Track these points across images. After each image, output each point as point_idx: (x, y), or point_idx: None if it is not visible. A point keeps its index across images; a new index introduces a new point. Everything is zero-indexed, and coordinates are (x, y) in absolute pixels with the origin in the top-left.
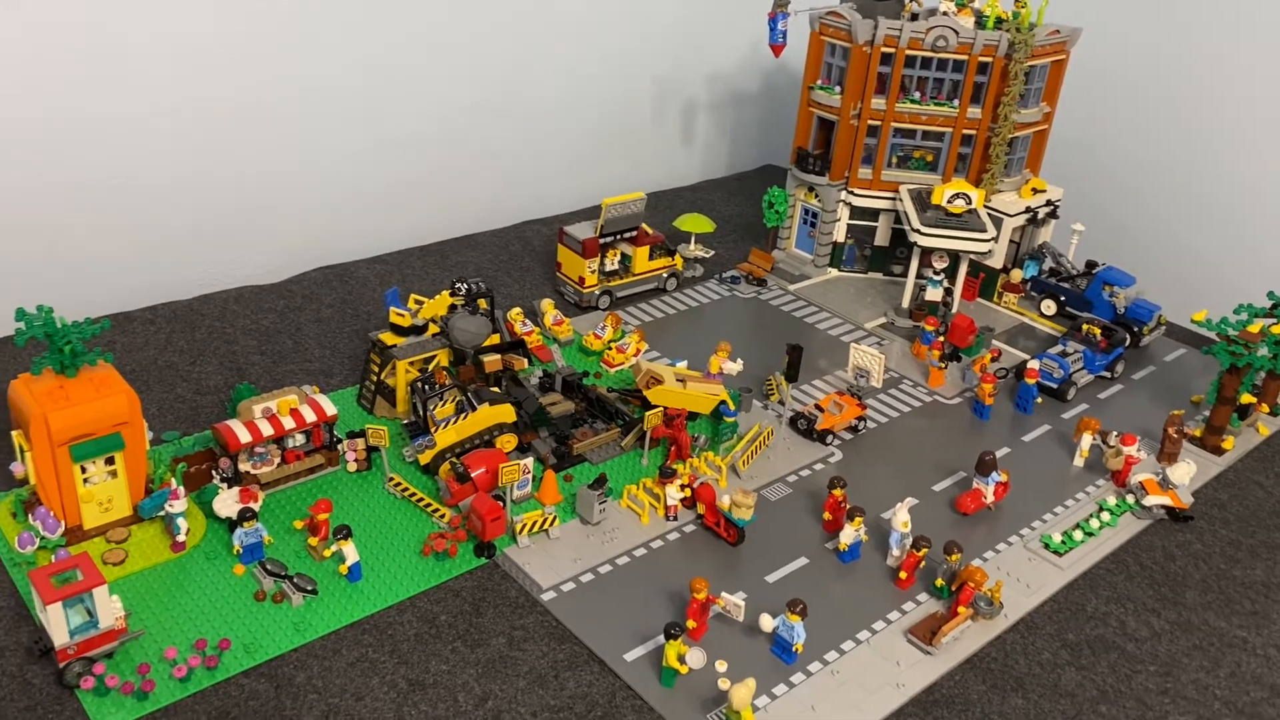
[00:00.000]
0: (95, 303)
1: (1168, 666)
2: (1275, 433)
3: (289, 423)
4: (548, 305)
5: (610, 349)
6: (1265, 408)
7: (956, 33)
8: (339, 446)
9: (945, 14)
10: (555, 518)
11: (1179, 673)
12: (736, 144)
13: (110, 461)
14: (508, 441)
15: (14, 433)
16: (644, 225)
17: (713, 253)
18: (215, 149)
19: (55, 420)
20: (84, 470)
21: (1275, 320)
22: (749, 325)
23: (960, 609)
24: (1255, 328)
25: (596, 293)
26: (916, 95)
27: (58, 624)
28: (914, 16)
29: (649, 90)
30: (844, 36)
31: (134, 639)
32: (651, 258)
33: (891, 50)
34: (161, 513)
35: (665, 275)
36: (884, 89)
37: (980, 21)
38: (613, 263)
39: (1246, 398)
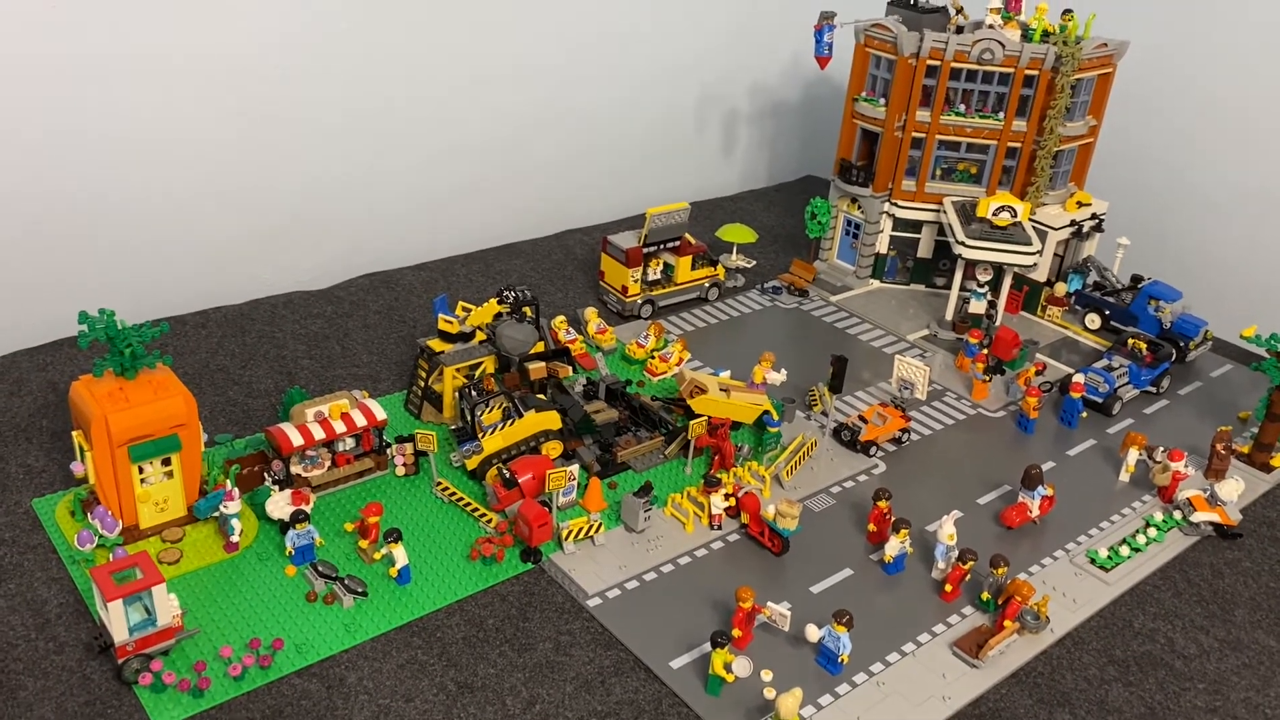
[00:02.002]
0: (150, 307)
1: (1217, 685)
2: None
3: (340, 426)
4: (591, 314)
5: (653, 358)
6: None
7: (1003, 45)
8: (388, 451)
9: (991, 26)
10: (600, 525)
11: (1228, 691)
12: (777, 155)
13: (167, 463)
14: (554, 448)
15: (74, 433)
16: (687, 235)
17: (754, 263)
18: (266, 160)
19: (115, 421)
20: (141, 471)
21: None
22: (791, 336)
23: (1006, 623)
24: None
25: (639, 302)
26: (961, 108)
27: (118, 621)
28: (960, 29)
29: (691, 101)
30: (889, 49)
31: (190, 637)
32: (694, 267)
33: (937, 63)
34: (216, 514)
35: (707, 285)
36: (929, 101)
37: (1027, 34)
38: (655, 272)
39: None
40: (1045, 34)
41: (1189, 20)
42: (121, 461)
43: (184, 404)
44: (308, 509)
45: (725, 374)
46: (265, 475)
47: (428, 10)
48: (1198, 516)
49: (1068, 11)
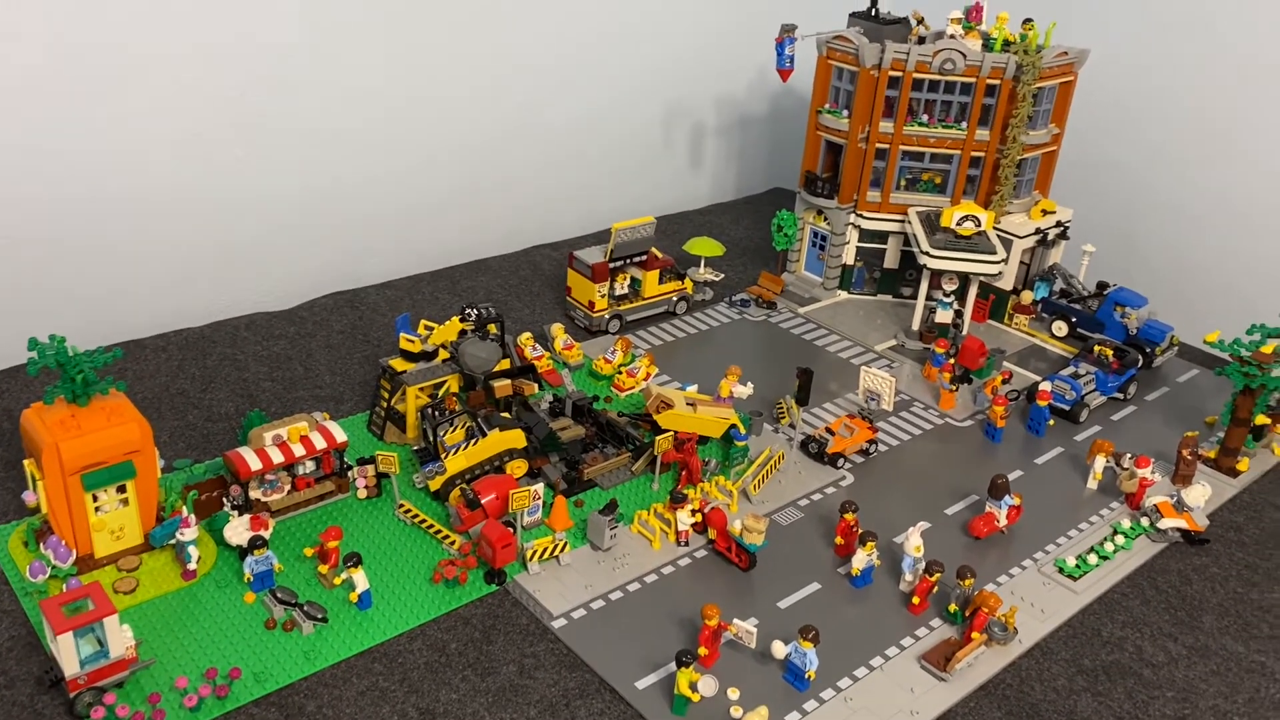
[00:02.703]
0: (108, 331)
1: (1185, 693)
2: None
3: (299, 450)
4: (558, 330)
5: (620, 373)
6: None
7: (964, 55)
8: (349, 473)
9: (952, 37)
10: (566, 544)
11: (1197, 699)
12: (745, 167)
13: (122, 490)
14: (518, 467)
15: (26, 462)
16: (654, 249)
17: (722, 276)
18: (226, 176)
19: (67, 449)
20: (95, 499)
21: None
22: (759, 348)
23: (974, 635)
24: (1269, 348)
25: (606, 317)
26: (924, 118)
27: (68, 654)
28: (921, 40)
29: (658, 115)
30: (851, 60)
31: (144, 668)
32: (661, 281)
33: (899, 74)
34: (173, 541)
35: (675, 299)
36: (892, 112)
37: (988, 44)
38: (623, 287)
39: (1261, 419)
40: (1006, 43)
41: (1149, 28)
42: (74, 490)
43: (138, 430)
44: (266, 534)
45: (692, 388)
46: (224, 500)
47: (391, 28)
48: (1165, 523)
49: (1028, 21)
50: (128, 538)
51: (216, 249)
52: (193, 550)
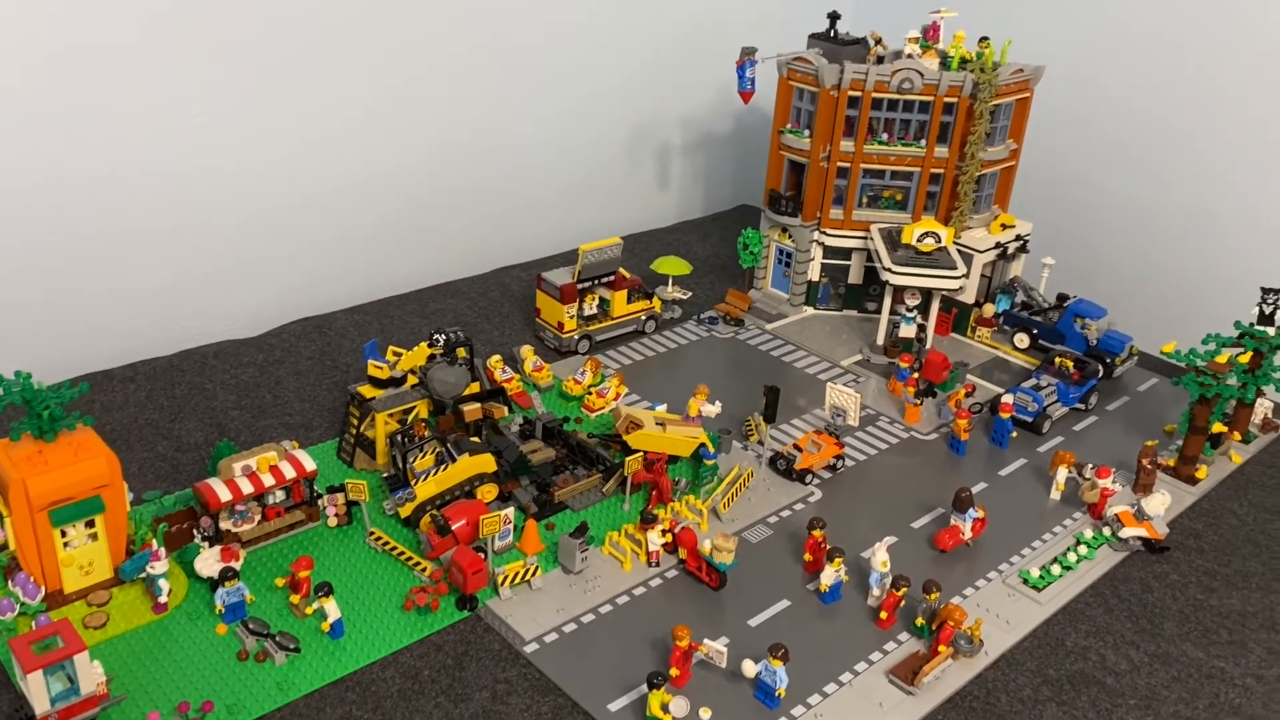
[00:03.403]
0: (75, 363)
1: (1147, 700)
2: (1248, 461)
3: (269, 480)
4: (527, 352)
5: (590, 394)
6: (1237, 436)
7: (921, 74)
8: (319, 502)
9: (910, 56)
10: (537, 568)
11: (1159, 705)
12: (712, 185)
13: (90, 525)
14: (488, 492)
15: None
16: (621, 269)
17: (690, 294)
18: (191, 204)
19: (34, 485)
20: (64, 534)
21: (1243, 350)
22: (728, 366)
23: (941, 648)
24: (1223, 358)
25: (575, 338)
26: (884, 136)
27: (38, 692)
28: (880, 59)
29: (625, 135)
30: (811, 81)
31: (116, 704)
32: (630, 301)
33: (858, 93)
34: (143, 574)
35: (644, 318)
36: (852, 131)
37: (945, 63)
38: (591, 307)
39: (1218, 426)
40: (963, 61)
41: (1103, 43)
42: (42, 526)
43: (106, 464)
44: (237, 565)
45: (661, 408)
46: (194, 532)
47: (355, 49)
48: (1126, 532)
49: (984, 39)
50: (97, 572)
51: (183, 277)
52: (163, 583)
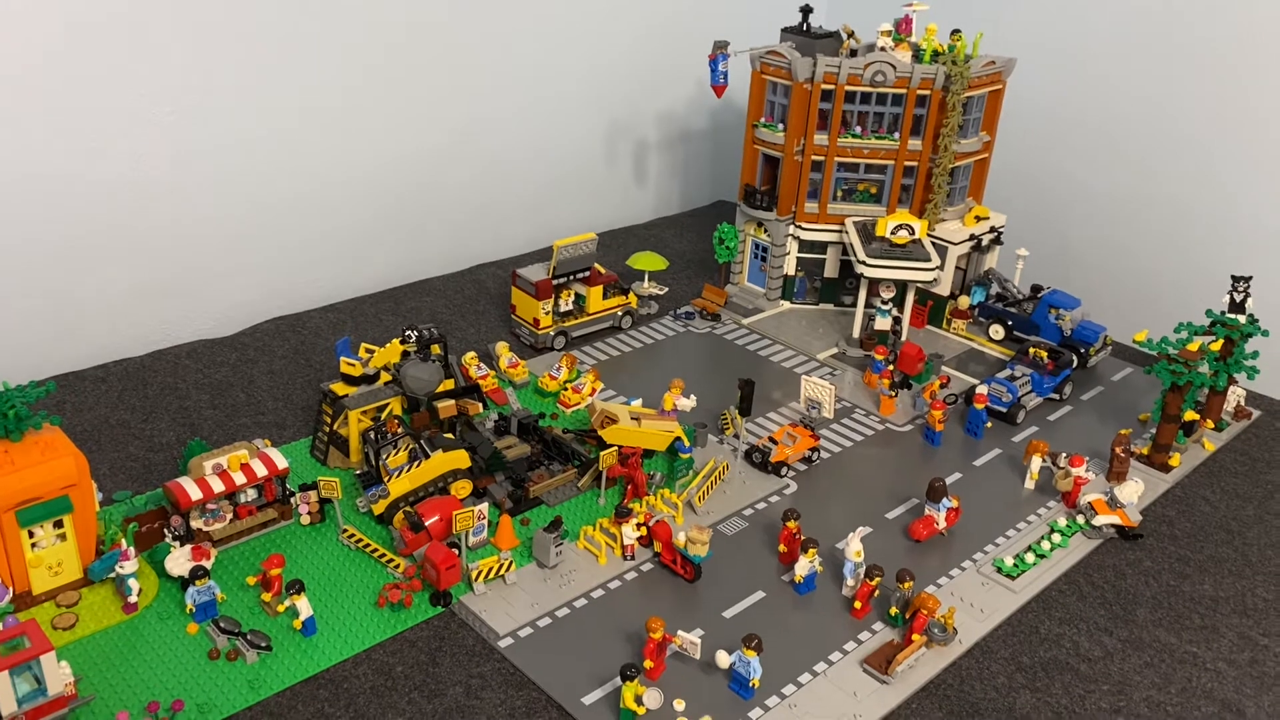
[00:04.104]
0: (46, 363)
1: (1120, 685)
2: (1220, 449)
3: (240, 478)
4: (503, 348)
5: (566, 389)
6: (1209, 424)
7: (894, 67)
8: (291, 500)
9: (883, 49)
10: (512, 563)
11: (1131, 691)
12: (688, 181)
13: (59, 525)
14: (462, 488)
15: None
16: (597, 265)
17: (666, 290)
18: (163, 202)
19: (0, 486)
20: (32, 534)
21: (1214, 338)
22: (704, 360)
23: (914, 637)
24: (1195, 346)
25: (551, 334)
26: (858, 130)
27: (4, 693)
28: (853, 53)
29: (600, 131)
30: (784, 75)
31: (84, 704)
32: (606, 297)
33: (831, 87)
34: (112, 574)
35: (620, 314)
36: (826, 125)
37: (917, 55)
38: (567, 303)
39: (1191, 414)
40: (935, 54)
41: (1075, 35)
42: (9, 527)
43: (74, 464)
44: (207, 564)
45: (637, 403)
46: (165, 531)
47: (328, 48)
48: (1099, 520)
49: (956, 32)
50: (66, 573)
51: (156, 277)
52: (133, 583)
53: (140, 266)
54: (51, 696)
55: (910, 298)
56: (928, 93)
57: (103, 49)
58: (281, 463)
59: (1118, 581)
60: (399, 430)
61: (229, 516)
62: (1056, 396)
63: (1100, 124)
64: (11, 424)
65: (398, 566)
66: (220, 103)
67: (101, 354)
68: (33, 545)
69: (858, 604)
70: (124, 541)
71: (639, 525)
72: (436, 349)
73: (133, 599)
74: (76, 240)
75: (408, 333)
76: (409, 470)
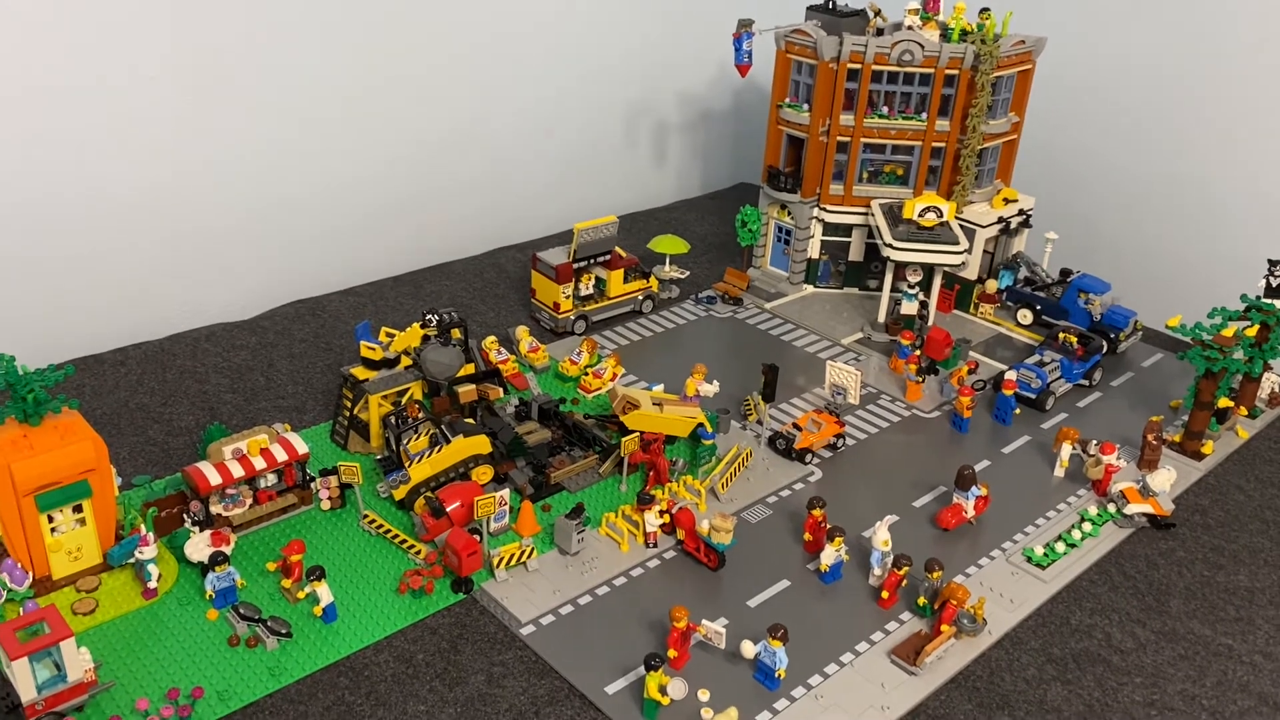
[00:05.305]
0: (65, 346)
1: (1154, 678)
2: (1254, 436)
3: (260, 463)
4: (523, 332)
5: (586, 374)
6: (1243, 411)
7: (922, 46)
8: (312, 485)
9: (910, 28)
10: (533, 549)
11: (1165, 684)
12: (709, 163)
13: (78, 509)
14: (483, 473)
15: None
16: (618, 248)
17: (688, 273)
18: (183, 186)
19: (19, 470)
20: (51, 519)
21: (1249, 323)
22: (726, 345)
23: (943, 627)
24: (1229, 331)
25: (571, 318)
26: (884, 110)
27: (24, 679)
28: (879, 31)
29: (620, 113)
30: (809, 54)
31: (104, 691)
32: (626, 281)
33: (858, 66)
34: (132, 560)
35: (641, 298)
36: (852, 105)
37: (945, 34)
38: (587, 287)
39: (1224, 401)
40: (964, 33)
41: (1105, 13)
42: (29, 511)
43: (93, 448)
44: (227, 550)
45: (659, 388)
46: (184, 517)
47: (345, 30)
48: (1131, 508)
49: (985, 10)
50: (86, 558)
51: (175, 260)
52: (152, 568)
53: (159, 249)
54: (71, 683)
55: (937, 281)
56: (956, 72)
57: (117, 34)
58: (302, 448)
59: (1150, 572)
60: (420, 415)
61: (249, 502)
62: (1086, 383)
63: (1132, 105)
64: (30, 408)
65: (419, 552)
66: (242, 86)
67: (120, 337)
68: (52, 530)
69: (885, 594)
70: (143, 527)
71: (661, 512)
72: (457, 333)
73: (152, 584)
74: (96, 223)
75: (428, 316)
76: (430, 455)
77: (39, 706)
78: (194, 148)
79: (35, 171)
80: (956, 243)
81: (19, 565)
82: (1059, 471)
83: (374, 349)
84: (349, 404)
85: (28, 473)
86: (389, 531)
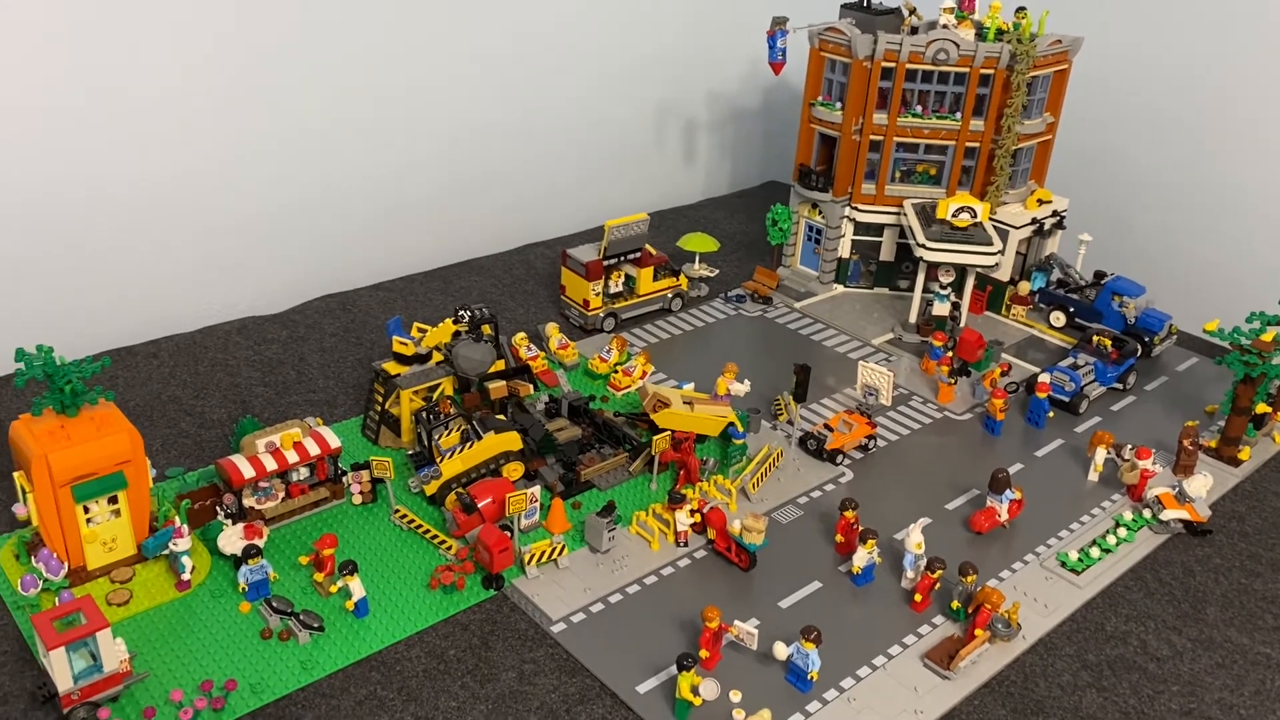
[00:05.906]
0: (98, 339)
1: (1191, 686)
2: None
3: (292, 456)
4: (552, 329)
5: (616, 372)
6: None
7: (957, 45)
8: (344, 479)
9: (945, 27)
10: (564, 547)
11: (1203, 693)
12: (738, 161)
13: (113, 501)
14: (514, 469)
15: (16, 474)
16: (648, 246)
17: (717, 272)
18: (215, 179)
19: (56, 461)
20: (87, 510)
21: None
22: (756, 344)
23: (977, 631)
24: (1269, 336)
25: (601, 315)
26: (918, 109)
27: (61, 669)
28: (914, 30)
29: (650, 110)
30: (843, 52)
31: (139, 681)
32: (656, 278)
33: (892, 65)
34: (166, 551)
35: (670, 296)
36: (885, 104)
37: (981, 33)
38: (617, 284)
39: (1262, 407)
40: (999, 32)
41: (1143, 14)
42: (65, 502)
43: (128, 440)
44: (260, 543)
45: (689, 386)
46: (217, 509)
47: (376, 27)
48: (1167, 514)
49: (1021, 9)
50: (120, 549)
51: (207, 253)
52: (186, 560)
53: (191, 242)
54: (106, 673)
55: (970, 282)
56: (991, 72)
57: (151, 30)
58: (334, 441)
59: (1186, 579)
60: (451, 411)
61: (281, 495)
62: (1120, 386)
63: (1168, 106)
64: (67, 399)
65: (450, 548)
66: (276, 82)
67: (152, 330)
68: (88, 521)
69: (918, 597)
70: (177, 519)
71: (692, 512)
72: (487, 329)
73: (186, 576)
74: (129, 216)
75: (460, 312)
76: (461, 451)
77: (75, 696)
78: (225, 143)
79: (69, 169)
80: (990, 243)
81: (55, 555)
82: (1093, 476)
83: (406, 344)
84: (380, 398)
85: (65, 463)
86: (420, 527)
